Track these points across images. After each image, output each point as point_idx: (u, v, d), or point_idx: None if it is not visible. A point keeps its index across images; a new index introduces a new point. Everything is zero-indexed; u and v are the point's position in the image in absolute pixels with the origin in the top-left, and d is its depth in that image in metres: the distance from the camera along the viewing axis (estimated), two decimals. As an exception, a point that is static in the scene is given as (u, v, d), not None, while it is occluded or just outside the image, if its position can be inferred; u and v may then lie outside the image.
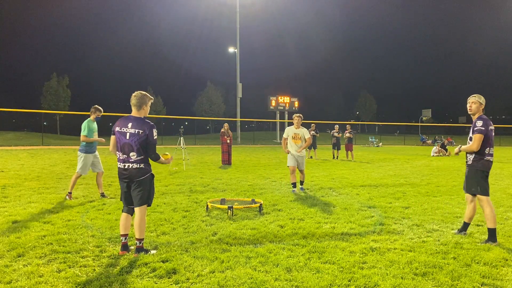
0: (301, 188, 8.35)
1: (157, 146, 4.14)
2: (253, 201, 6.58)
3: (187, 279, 3.40)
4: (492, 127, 4.61)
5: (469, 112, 4.73)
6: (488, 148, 4.57)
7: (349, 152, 17.93)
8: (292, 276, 3.49)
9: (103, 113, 7.31)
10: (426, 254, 4.10)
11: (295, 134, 8.24)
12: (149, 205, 4.18)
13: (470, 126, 4.68)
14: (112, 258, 3.90)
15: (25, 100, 71.54)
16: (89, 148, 7.10)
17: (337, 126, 18.70)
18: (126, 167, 4.03)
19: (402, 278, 3.46)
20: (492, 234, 4.52)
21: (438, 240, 4.61)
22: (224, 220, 5.49)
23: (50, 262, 3.78)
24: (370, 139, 39.75)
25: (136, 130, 3.99)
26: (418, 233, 4.93)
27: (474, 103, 4.65)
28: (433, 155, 21.38)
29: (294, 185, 8.16)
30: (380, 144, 38.03)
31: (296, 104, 43.93)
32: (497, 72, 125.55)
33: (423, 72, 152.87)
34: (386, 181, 9.99)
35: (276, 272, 3.57)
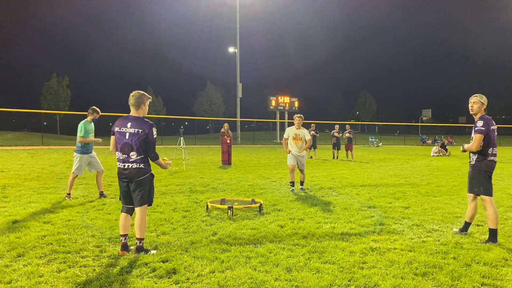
0: (301, 189, 8.36)
1: (157, 147, 4.14)
2: (253, 201, 6.58)
3: (187, 279, 3.40)
4: (494, 127, 4.57)
5: (470, 112, 4.69)
6: (491, 148, 4.54)
7: (349, 152, 17.94)
8: (292, 276, 3.49)
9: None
10: (426, 254, 4.10)
11: (296, 134, 8.26)
12: (150, 205, 4.18)
13: (470, 126, 4.66)
14: (112, 258, 3.90)
15: (25, 100, 71.72)
16: (85, 149, 7.10)
17: (337, 126, 18.72)
18: (126, 167, 4.03)
19: (402, 278, 3.46)
20: (493, 235, 4.51)
21: (438, 240, 4.61)
22: (224, 220, 5.49)
23: (50, 262, 3.78)
24: (370, 139, 39.76)
25: (136, 130, 3.99)
26: (418, 233, 4.93)
27: (476, 103, 4.62)
28: (433, 155, 21.39)
29: (292, 184, 8.20)
30: (380, 144, 38.03)
31: (296, 104, 43.93)
32: (497, 72, 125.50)
33: (423, 72, 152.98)
34: (386, 181, 9.99)
35: (276, 272, 3.57)
